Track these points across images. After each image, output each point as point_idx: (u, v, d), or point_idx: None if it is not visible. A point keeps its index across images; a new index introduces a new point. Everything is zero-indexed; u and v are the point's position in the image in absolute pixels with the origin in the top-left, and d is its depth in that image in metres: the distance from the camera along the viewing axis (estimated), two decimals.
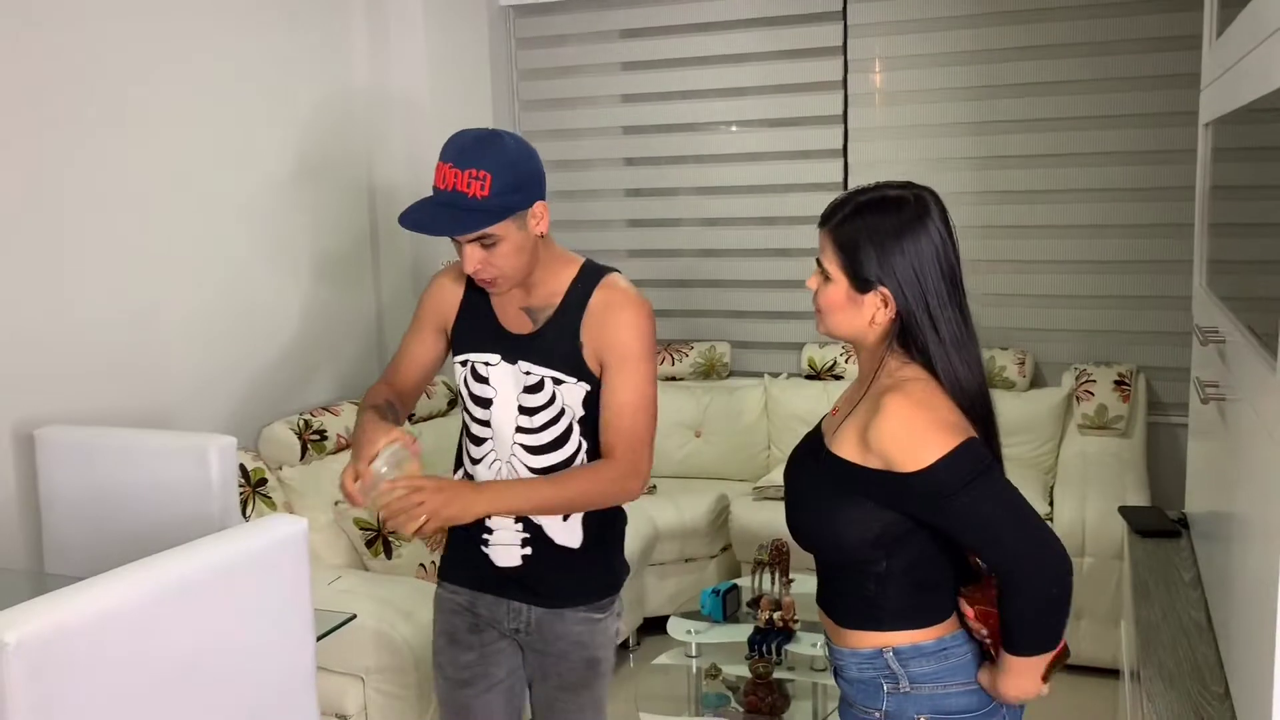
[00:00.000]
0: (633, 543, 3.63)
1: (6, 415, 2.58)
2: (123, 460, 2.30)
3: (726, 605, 3.14)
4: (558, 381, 1.90)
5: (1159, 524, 2.27)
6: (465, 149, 1.79)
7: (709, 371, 4.52)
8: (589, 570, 2.01)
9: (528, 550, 1.96)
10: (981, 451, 1.48)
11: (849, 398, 1.63)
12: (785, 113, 4.42)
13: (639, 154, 4.67)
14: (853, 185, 4.29)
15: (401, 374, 2.05)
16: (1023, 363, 4.06)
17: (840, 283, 1.51)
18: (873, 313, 1.51)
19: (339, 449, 3.42)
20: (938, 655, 1.54)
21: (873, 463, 1.48)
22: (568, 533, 1.97)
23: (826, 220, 1.55)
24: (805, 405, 4.27)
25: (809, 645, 2.96)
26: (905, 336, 1.51)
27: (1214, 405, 1.73)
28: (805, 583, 3.28)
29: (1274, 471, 1.19)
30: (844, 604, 1.61)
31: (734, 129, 4.51)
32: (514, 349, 1.92)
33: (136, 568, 1.53)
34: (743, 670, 2.92)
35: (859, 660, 1.58)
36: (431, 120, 4.16)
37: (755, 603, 3.09)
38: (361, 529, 3.23)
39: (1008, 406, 3.94)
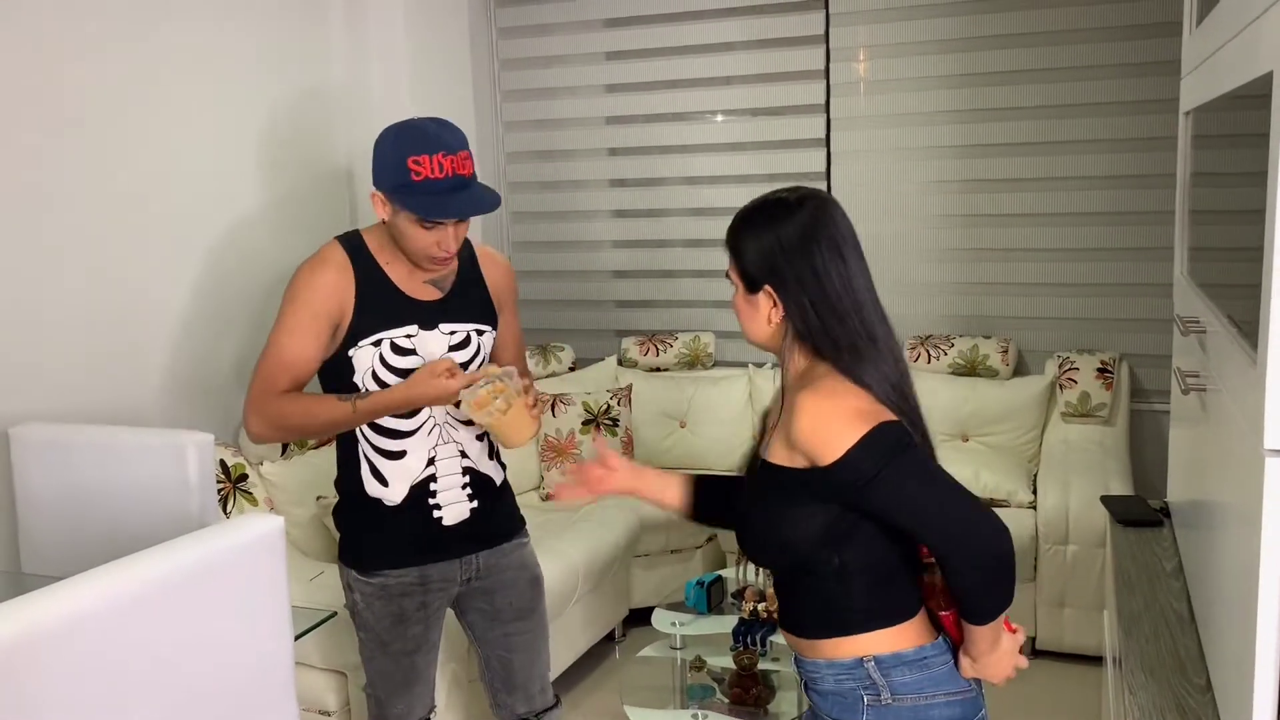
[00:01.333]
0: (618, 534, 3.65)
1: None
2: (99, 458, 2.27)
3: (711, 597, 3.14)
4: (480, 333, 2.11)
5: (1141, 513, 2.27)
6: (444, 135, 1.94)
7: (693, 362, 4.51)
8: (511, 499, 2.27)
9: (474, 503, 2.12)
10: (899, 431, 1.46)
11: (775, 407, 1.62)
12: (768, 102, 4.41)
13: (622, 144, 4.64)
14: (835, 175, 4.35)
15: (299, 380, 2.01)
16: (1005, 351, 4.06)
17: (738, 286, 1.57)
18: (766, 312, 1.54)
19: (319, 444, 3.40)
20: (918, 664, 1.51)
21: (799, 462, 1.48)
22: (495, 469, 2.19)
23: (728, 230, 1.60)
24: None
25: None
26: (800, 335, 1.53)
27: (1195, 395, 1.73)
28: None
29: (1253, 464, 1.19)
30: (809, 613, 1.57)
31: (720, 119, 4.49)
32: (430, 316, 2.04)
33: (111, 569, 1.51)
34: (728, 662, 2.91)
35: (836, 671, 1.54)
36: (411, 111, 4.12)
37: (740, 594, 3.09)
38: None
39: (991, 395, 3.95)
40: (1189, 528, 1.92)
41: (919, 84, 4.17)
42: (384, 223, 2.00)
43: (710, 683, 2.95)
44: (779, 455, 1.52)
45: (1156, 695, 1.54)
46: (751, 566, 3.12)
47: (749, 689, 2.81)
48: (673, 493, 1.76)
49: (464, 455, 2.13)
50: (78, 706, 1.43)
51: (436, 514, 2.10)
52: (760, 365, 4.47)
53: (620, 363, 4.54)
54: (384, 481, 2.08)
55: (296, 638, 2.17)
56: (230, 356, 3.35)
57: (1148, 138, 3.87)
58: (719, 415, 4.37)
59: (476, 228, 4.49)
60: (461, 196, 1.93)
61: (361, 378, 2.01)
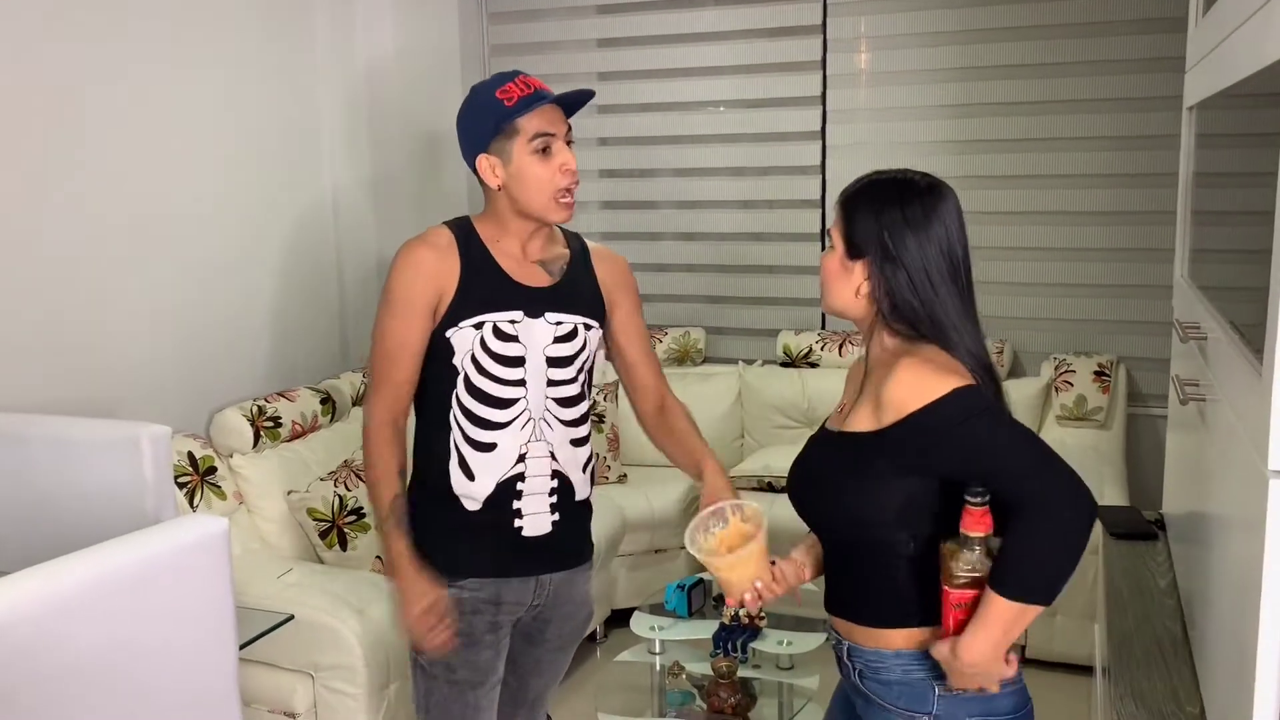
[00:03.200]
0: (600, 533, 3.55)
1: None
2: (51, 450, 2.18)
3: (691, 600, 3.05)
4: (588, 327, 1.97)
5: (1135, 526, 2.19)
6: (517, 70, 1.92)
7: (683, 358, 4.42)
8: (589, 519, 2.08)
9: (556, 515, 1.96)
10: (988, 396, 1.47)
11: (852, 386, 1.62)
12: (763, 93, 4.31)
13: (613, 134, 4.55)
14: (830, 168, 4.25)
15: (408, 375, 1.91)
16: (1001, 352, 3.98)
17: (838, 249, 1.54)
18: (859, 282, 1.52)
19: (293, 436, 3.31)
20: None
21: (888, 419, 1.45)
22: (584, 482, 2.01)
23: (843, 192, 1.58)
24: (780, 393, 4.18)
25: (775, 643, 2.87)
26: (893, 312, 1.51)
27: (1194, 405, 1.64)
28: None
29: (1256, 483, 1.10)
30: (874, 599, 1.52)
31: (722, 109, 4.39)
32: (537, 302, 1.92)
33: (43, 569, 1.43)
34: (707, 668, 2.83)
35: (905, 661, 1.49)
36: (397, 98, 4.03)
37: (721, 598, 3.00)
38: (315, 520, 3.12)
39: None
40: (1185, 543, 1.83)
41: (917, 77, 4.08)
42: (498, 190, 1.88)
43: (690, 689, 2.87)
44: (862, 423, 1.50)
45: None
46: None
47: (727, 697, 2.73)
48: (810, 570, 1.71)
49: (553, 458, 1.94)
50: (9, 707, 1.34)
51: (517, 523, 1.93)
52: (750, 362, 4.38)
53: (608, 358, 4.44)
54: (470, 475, 1.91)
55: (248, 643, 2.09)
56: (205, 344, 3.26)
57: (1150, 135, 3.78)
58: (709, 413, 4.27)
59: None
60: (557, 93, 1.90)
61: (461, 360, 1.88)
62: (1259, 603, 1.11)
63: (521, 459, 1.92)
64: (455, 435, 1.90)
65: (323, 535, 3.13)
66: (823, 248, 4.29)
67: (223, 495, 3.04)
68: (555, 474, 1.95)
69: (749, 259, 4.43)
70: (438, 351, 1.89)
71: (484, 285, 1.89)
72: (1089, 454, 3.65)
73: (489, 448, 1.90)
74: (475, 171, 1.90)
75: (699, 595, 3.09)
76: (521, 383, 1.90)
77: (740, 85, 4.34)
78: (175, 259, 3.15)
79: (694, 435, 2.05)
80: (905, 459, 1.44)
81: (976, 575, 1.38)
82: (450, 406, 1.90)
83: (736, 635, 2.86)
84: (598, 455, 3.67)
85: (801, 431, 3.86)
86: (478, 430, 1.90)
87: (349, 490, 3.20)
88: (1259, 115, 1.51)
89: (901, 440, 1.43)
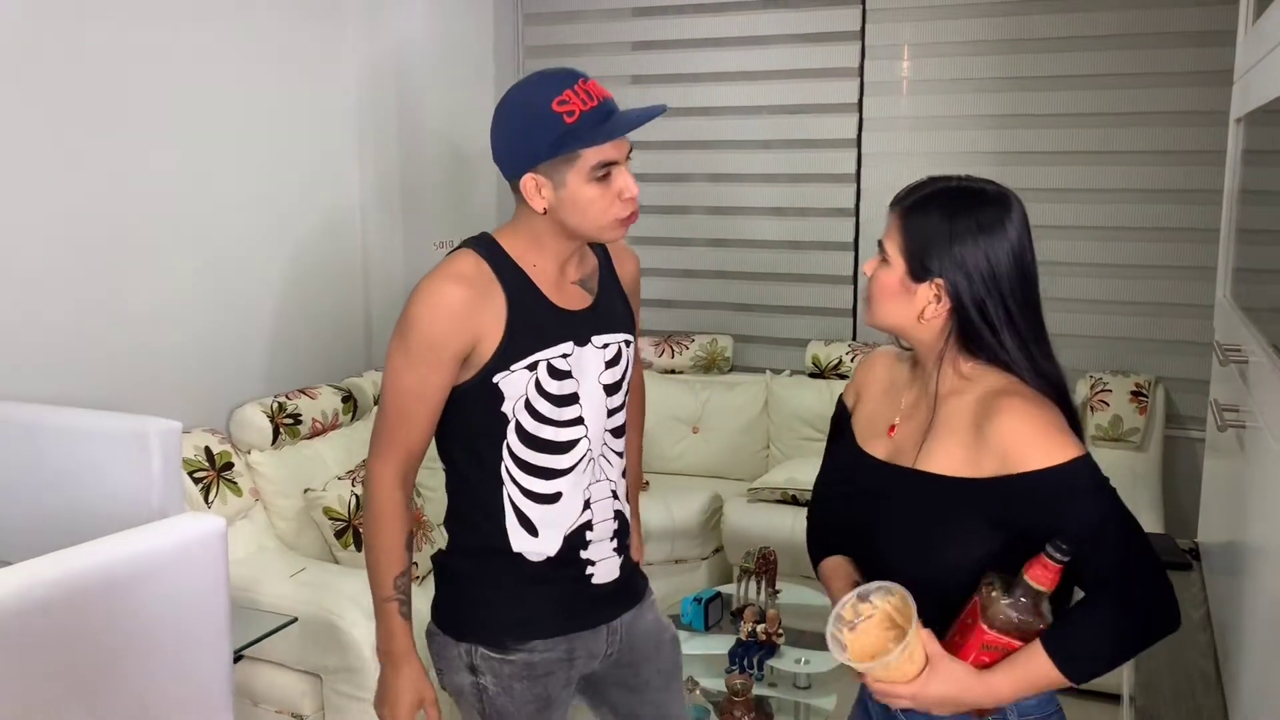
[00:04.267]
0: None
1: None
2: (60, 441, 2.16)
3: (709, 615, 2.99)
4: (627, 344, 1.77)
5: (1169, 555, 2.10)
6: (570, 69, 1.63)
7: (709, 365, 4.36)
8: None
9: (621, 556, 1.77)
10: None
11: (914, 411, 1.47)
12: (799, 99, 4.24)
13: (646, 137, 4.48)
14: (866, 177, 4.18)
15: (424, 434, 1.66)
16: None
17: (897, 268, 1.42)
18: (924, 305, 1.40)
19: (313, 434, 3.28)
20: None
21: (986, 469, 1.34)
22: (627, 508, 1.82)
23: (899, 201, 1.44)
24: (807, 404, 4.11)
25: (793, 661, 2.81)
26: (966, 337, 1.40)
27: (1233, 431, 1.56)
28: (792, 593, 3.13)
29: None
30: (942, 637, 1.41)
31: (748, 116, 4.33)
32: (582, 328, 1.69)
33: (33, 565, 1.40)
34: (722, 684, 2.77)
35: None
36: (430, 100, 4.01)
37: (739, 613, 2.94)
38: (331, 519, 3.09)
39: None
40: (1221, 574, 1.75)
41: (956, 85, 4.00)
42: (543, 214, 1.62)
43: (704, 705, 2.80)
44: (947, 464, 1.38)
45: None
46: (753, 584, 3.01)
47: (742, 715, 2.67)
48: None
49: (615, 496, 1.75)
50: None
51: (589, 571, 1.72)
52: (778, 372, 4.31)
53: None
54: (534, 531, 1.68)
55: (250, 644, 2.06)
56: (226, 339, 3.24)
57: (1195, 150, 3.67)
58: (733, 422, 4.22)
59: (491, 216, 4.38)
60: (619, 116, 1.59)
61: (512, 407, 1.63)
62: None
63: (587, 505, 1.71)
64: (510, 490, 1.67)
65: (338, 535, 3.10)
66: (856, 257, 4.23)
67: (239, 491, 3.01)
68: (617, 514, 1.76)
69: (780, 267, 4.36)
70: (482, 398, 1.64)
71: (532, 319, 1.64)
72: (1124, 476, 3.52)
73: (552, 499, 1.68)
74: (513, 185, 1.64)
75: (716, 609, 3.03)
76: (579, 421, 1.68)
77: (776, 91, 4.27)
78: (197, 254, 3.13)
79: (636, 456, 1.94)
80: (1002, 515, 1.35)
81: (1024, 628, 1.31)
82: (501, 458, 1.66)
83: (753, 652, 2.80)
84: None
85: None
86: (536, 481, 1.67)
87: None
88: None
89: (1004, 496, 1.33)
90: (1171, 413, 3.85)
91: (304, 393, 3.33)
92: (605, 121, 1.57)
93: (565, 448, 1.67)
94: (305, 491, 3.12)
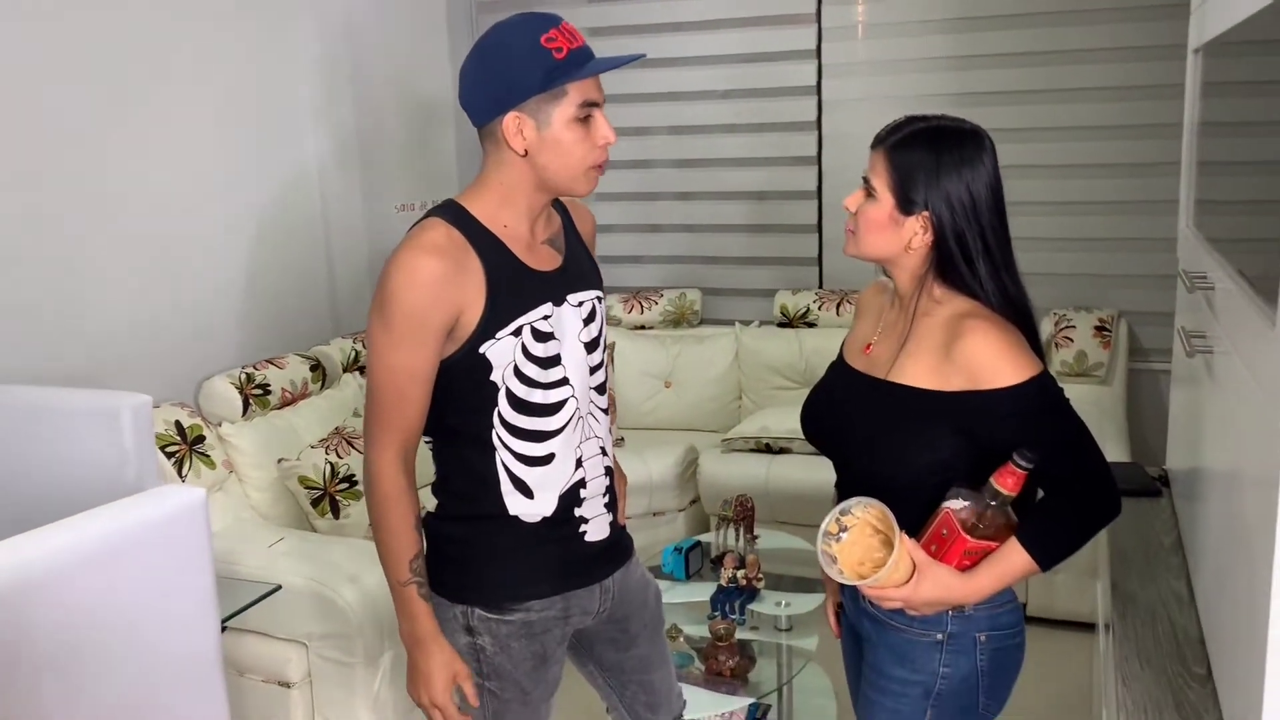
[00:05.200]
0: None
1: None
2: (31, 420, 2.13)
3: (689, 563, 3.02)
4: (600, 300, 1.75)
5: (1139, 483, 2.14)
6: (548, 12, 1.64)
7: (679, 320, 4.36)
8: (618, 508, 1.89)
9: (611, 514, 1.78)
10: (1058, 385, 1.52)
11: (891, 330, 1.62)
12: (757, 48, 4.22)
13: (607, 92, 4.45)
14: (826, 124, 4.17)
15: (420, 411, 1.62)
16: None
17: (885, 202, 1.53)
18: (911, 236, 1.52)
19: (283, 404, 3.26)
20: None
21: (954, 384, 1.48)
22: (617, 465, 1.84)
23: (882, 140, 1.55)
24: (777, 354, 4.14)
25: (773, 604, 2.84)
26: (945, 265, 1.53)
27: (1200, 357, 1.59)
28: (770, 539, 3.17)
29: (1270, 437, 1.05)
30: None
31: (721, 63, 4.30)
32: (557, 288, 1.66)
33: (16, 542, 1.39)
34: (705, 631, 2.80)
35: None
36: (383, 60, 3.96)
37: (719, 560, 2.97)
38: (307, 488, 3.08)
39: None
40: (1190, 499, 1.79)
41: (913, 28, 3.99)
42: (522, 155, 1.58)
43: (688, 651, 2.84)
44: (920, 377, 1.51)
45: (1152, 687, 1.41)
46: (732, 531, 3.04)
47: (726, 659, 2.70)
48: None
49: (604, 453, 1.75)
50: None
51: (582, 529, 1.73)
52: (747, 323, 4.33)
53: None
54: (529, 493, 1.67)
55: (235, 614, 2.06)
56: (193, 312, 3.20)
57: (1152, 85, 3.70)
58: (705, 375, 4.24)
59: (452, 175, 4.34)
60: (596, 58, 1.62)
61: (501, 375, 1.61)
62: (1270, 559, 1.06)
63: (579, 463, 1.70)
64: (503, 456, 1.65)
65: (314, 503, 3.09)
66: (820, 205, 4.23)
67: (212, 464, 2.99)
68: (607, 470, 1.77)
69: (745, 218, 4.37)
70: (469, 370, 1.61)
71: (512, 284, 1.61)
72: (1089, 409, 3.54)
73: (544, 460, 1.67)
74: (486, 129, 1.62)
75: (696, 558, 3.06)
76: (565, 381, 1.66)
77: (734, 40, 4.25)
78: (158, 227, 3.08)
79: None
80: (967, 425, 1.48)
81: (998, 531, 1.47)
82: (492, 426, 1.64)
83: (734, 597, 2.83)
84: None
85: (799, 392, 3.81)
86: (528, 444, 1.66)
87: (340, 458, 3.16)
88: (1267, 61, 1.45)
89: (970, 409, 1.47)
90: (1135, 346, 3.91)
91: (271, 363, 3.30)
92: (591, 60, 1.59)
93: (554, 409, 1.65)
94: (279, 461, 3.11)
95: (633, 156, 4.45)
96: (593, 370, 1.71)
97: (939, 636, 1.55)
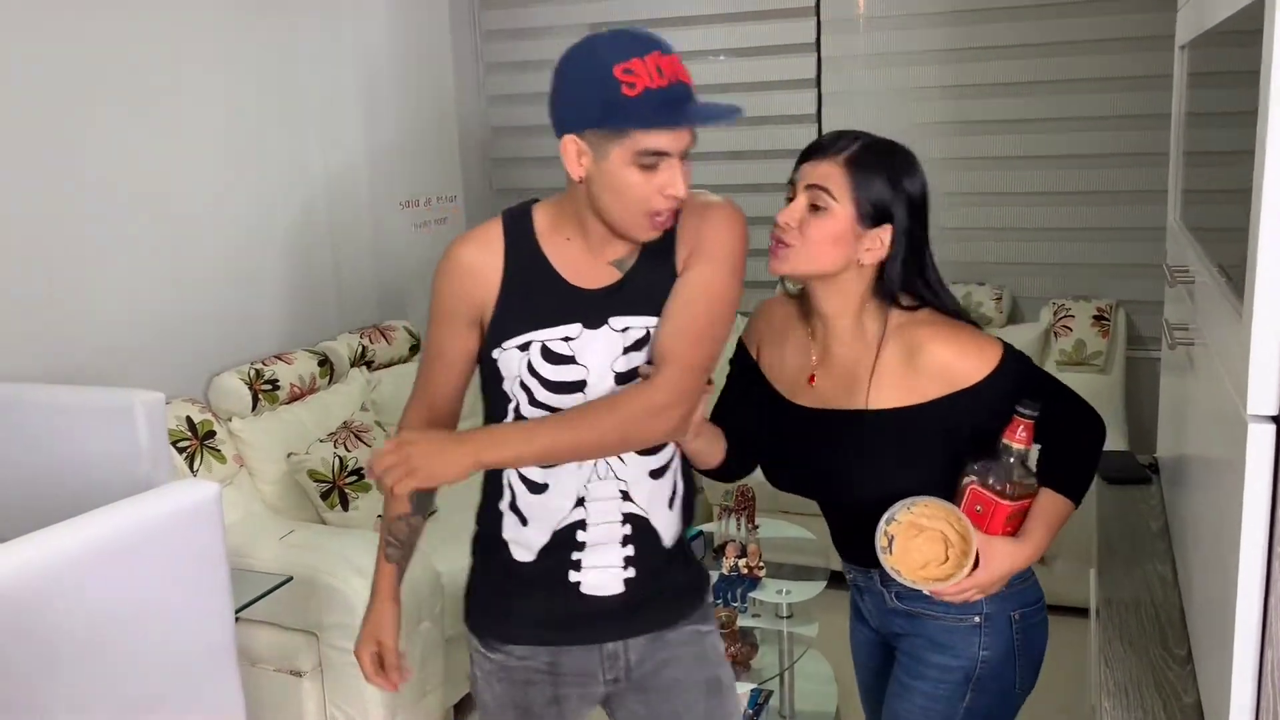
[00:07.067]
0: None
1: None
2: (45, 418, 2.19)
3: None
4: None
5: (1129, 470, 2.18)
6: (653, 35, 1.44)
7: None
8: (679, 573, 1.63)
9: (632, 570, 1.55)
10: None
11: (830, 356, 1.59)
12: (755, 41, 4.25)
13: None
14: (826, 117, 4.20)
15: (441, 389, 1.59)
16: (999, 298, 3.96)
17: (842, 215, 1.49)
18: (868, 248, 1.50)
19: (291, 399, 3.32)
20: None
21: (930, 393, 1.50)
22: (670, 521, 1.58)
23: (831, 150, 1.53)
24: None
25: (774, 592, 2.89)
26: (900, 277, 1.53)
27: (1183, 349, 1.63)
28: (771, 528, 3.22)
29: (1236, 427, 1.10)
30: None
31: (721, 58, 4.34)
32: (598, 308, 1.49)
33: (32, 539, 1.44)
34: None
35: None
36: (387, 74, 4.00)
37: (721, 549, 3.02)
38: (316, 481, 3.13)
39: None
40: (1175, 486, 1.83)
41: (912, 20, 4.02)
42: (579, 183, 1.45)
43: None
44: (892, 398, 1.52)
45: (1134, 667, 1.46)
46: (734, 521, 3.09)
47: (728, 647, 2.76)
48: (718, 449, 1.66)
49: (626, 498, 1.54)
50: (4, 673, 1.36)
51: (574, 577, 1.55)
52: (745, 314, 4.35)
53: None
54: (524, 519, 1.55)
55: (247, 605, 2.11)
56: (197, 309, 3.25)
57: (1148, 75, 3.72)
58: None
59: (456, 174, 4.38)
60: (689, 106, 1.42)
61: (510, 387, 1.52)
62: (1238, 544, 1.11)
63: (580, 503, 1.53)
64: (509, 472, 1.56)
65: (324, 496, 3.15)
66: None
67: (222, 459, 3.05)
68: (630, 518, 1.54)
69: (745, 210, 4.39)
70: (489, 373, 1.56)
71: (530, 293, 1.50)
72: (1088, 398, 3.59)
73: (542, 488, 1.53)
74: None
75: (698, 547, 3.11)
76: None
77: (732, 34, 4.28)
78: (166, 225, 3.13)
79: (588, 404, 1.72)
80: (954, 425, 1.51)
81: (1030, 486, 1.51)
82: None
83: (736, 585, 2.89)
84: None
85: None
86: (531, 467, 1.55)
87: (349, 451, 3.21)
88: (1249, 53, 1.49)
89: (957, 410, 1.50)
90: (1133, 335, 3.95)
91: (280, 358, 3.35)
92: (671, 106, 1.38)
93: None
94: (288, 456, 3.16)
95: None
96: None
97: (976, 619, 1.57)
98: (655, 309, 1.49)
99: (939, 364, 1.49)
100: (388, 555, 1.65)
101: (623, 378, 1.50)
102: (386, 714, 2.75)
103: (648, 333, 1.50)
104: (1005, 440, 1.48)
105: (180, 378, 3.15)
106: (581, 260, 1.51)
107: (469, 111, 4.51)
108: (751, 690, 2.81)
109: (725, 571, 2.94)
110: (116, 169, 2.96)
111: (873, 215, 1.50)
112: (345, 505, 3.16)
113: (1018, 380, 1.51)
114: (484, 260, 1.51)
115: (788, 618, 2.88)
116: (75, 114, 2.83)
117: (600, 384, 1.49)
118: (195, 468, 2.98)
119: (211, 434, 3.05)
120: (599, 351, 1.49)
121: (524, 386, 1.51)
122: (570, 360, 1.49)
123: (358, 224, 3.95)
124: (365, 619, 1.66)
